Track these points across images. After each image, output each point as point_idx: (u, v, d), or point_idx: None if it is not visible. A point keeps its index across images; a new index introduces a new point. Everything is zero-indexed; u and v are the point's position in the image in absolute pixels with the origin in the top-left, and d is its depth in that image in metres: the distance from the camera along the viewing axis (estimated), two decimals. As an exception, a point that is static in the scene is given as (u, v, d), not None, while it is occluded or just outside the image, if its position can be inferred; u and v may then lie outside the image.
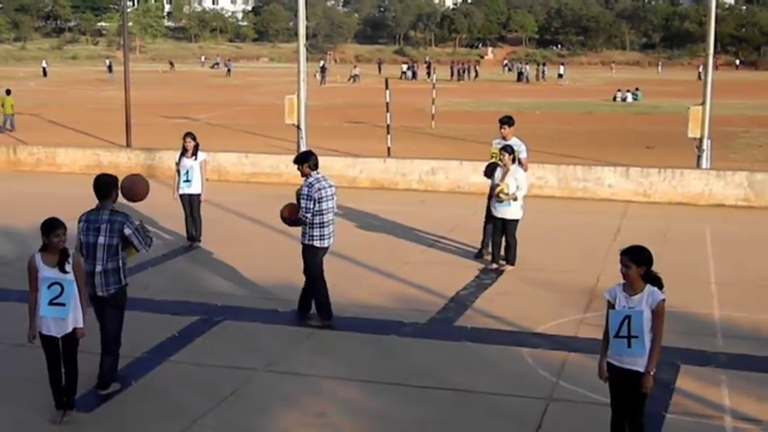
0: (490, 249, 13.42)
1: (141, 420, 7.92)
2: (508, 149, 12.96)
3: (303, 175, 10.43)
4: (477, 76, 78.85)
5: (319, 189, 10.24)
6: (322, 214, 10.27)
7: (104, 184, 8.51)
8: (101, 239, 8.17)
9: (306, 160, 10.51)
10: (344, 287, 12.16)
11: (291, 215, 10.47)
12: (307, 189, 10.26)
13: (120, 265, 8.30)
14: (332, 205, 10.41)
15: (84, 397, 8.06)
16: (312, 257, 10.45)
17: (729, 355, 9.53)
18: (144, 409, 8.13)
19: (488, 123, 34.13)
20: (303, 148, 22.84)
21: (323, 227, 10.32)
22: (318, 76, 68.78)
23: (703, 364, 9.25)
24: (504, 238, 13.17)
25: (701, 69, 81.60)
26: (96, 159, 23.25)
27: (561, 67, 78.29)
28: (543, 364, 9.22)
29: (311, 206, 10.17)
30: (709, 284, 12.44)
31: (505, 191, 12.81)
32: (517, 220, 13.07)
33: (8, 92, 34.68)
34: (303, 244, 10.47)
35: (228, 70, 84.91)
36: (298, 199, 10.39)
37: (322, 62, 79.24)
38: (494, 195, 13.04)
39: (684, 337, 9.85)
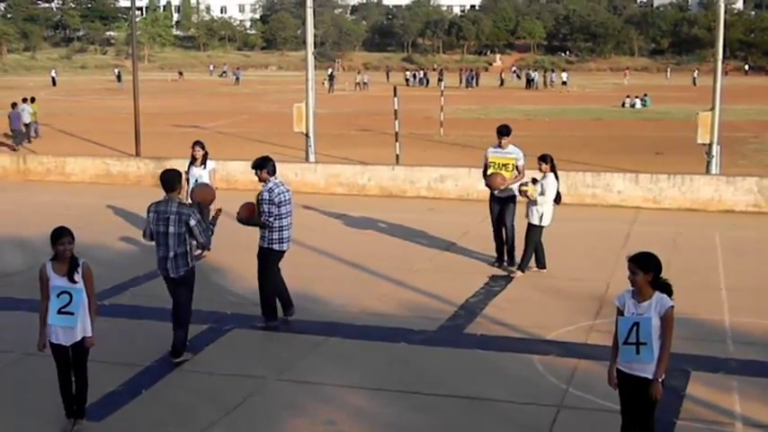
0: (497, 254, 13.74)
1: (151, 429, 7.93)
2: (545, 159, 12.91)
3: (261, 180, 10.78)
4: (477, 84, 77.98)
5: (279, 194, 10.58)
6: (281, 218, 10.59)
7: (171, 179, 9.48)
8: (171, 229, 9.20)
9: (264, 166, 10.77)
10: (354, 295, 12.19)
11: (249, 216, 10.70)
12: (267, 194, 10.57)
13: (188, 249, 9.33)
14: (290, 209, 10.77)
15: (93, 406, 8.08)
16: (271, 261, 10.75)
17: (740, 362, 9.50)
18: (154, 418, 8.15)
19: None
20: (312, 157, 22.93)
21: (282, 230, 10.64)
22: (327, 84, 68.90)
23: (714, 370, 9.22)
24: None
25: (695, 75, 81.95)
26: (106, 168, 23.34)
27: (564, 75, 79.13)
28: (553, 371, 9.20)
29: (273, 210, 10.48)
30: (719, 290, 12.41)
31: (530, 192, 12.82)
32: (537, 226, 13.03)
33: (32, 99, 34.71)
34: (261, 248, 10.72)
35: (237, 78, 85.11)
36: (258, 204, 10.63)
37: (330, 70, 79.34)
38: (521, 192, 13.10)
39: (695, 344, 9.82)
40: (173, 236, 9.19)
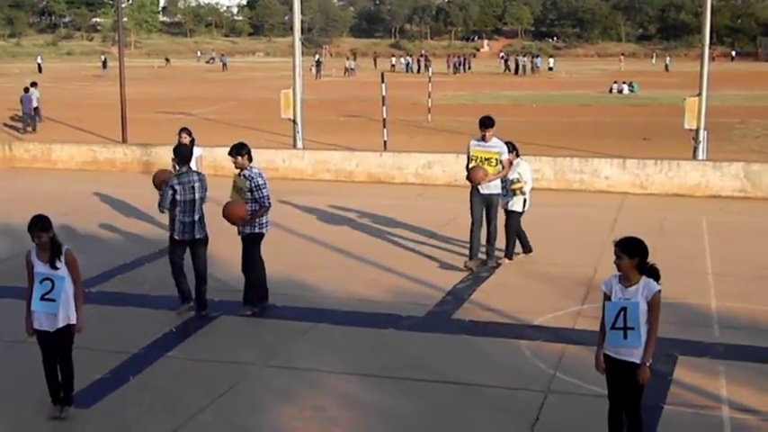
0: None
1: (139, 416, 7.91)
2: (510, 146, 12.92)
3: (239, 166, 10.69)
4: (469, 67, 78.76)
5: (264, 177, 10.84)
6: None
7: (187, 151, 10.93)
8: (197, 195, 10.43)
9: (242, 151, 10.67)
10: (342, 281, 12.18)
11: (245, 214, 10.53)
12: (260, 179, 10.66)
13: (204, 213, 10.56)
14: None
15: (82, 392, 8.05)
16: (257, 245, 10.86)
17: (726, 346, 9.54)
18: (142, 405, 8.13)
19: (485, 116, 34.08)
20: (299, 143, 22.86)
21: (266, 214, 10.85)
22: (314, 71, 68.73)
23: (700, 354, 9.26)
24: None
25: (668, 61, 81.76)
26: (92, 155, 23.23)
27: (551, 60, 79.53)
28: (541, 356, 9.22)
29: (268, 193, 10.73)
30: (706, 275, 12.46)
31: (522, 188, 12.85)
32: (519, 213, 13.08)
33: (34, 84, 34.77)
34: (251, 234, 10.75)
35: (224, 65, 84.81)
36: (248, 191, 10.55)
37: (317, 56, 79.14)
38: (514, 192, 12.99)
39: (681, 328, 9.86)
40: (199, 200, 10.47)
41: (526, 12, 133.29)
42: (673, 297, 10.07)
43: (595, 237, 14.56)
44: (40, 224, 7.57)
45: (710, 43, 21.68)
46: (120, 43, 28.24)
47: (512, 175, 12.91)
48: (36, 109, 33.46)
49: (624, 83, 52.28)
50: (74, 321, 7.66)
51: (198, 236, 10.57)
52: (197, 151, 14.67)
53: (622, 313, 6.46)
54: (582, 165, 19.81)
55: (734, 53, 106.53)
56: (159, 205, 10.59)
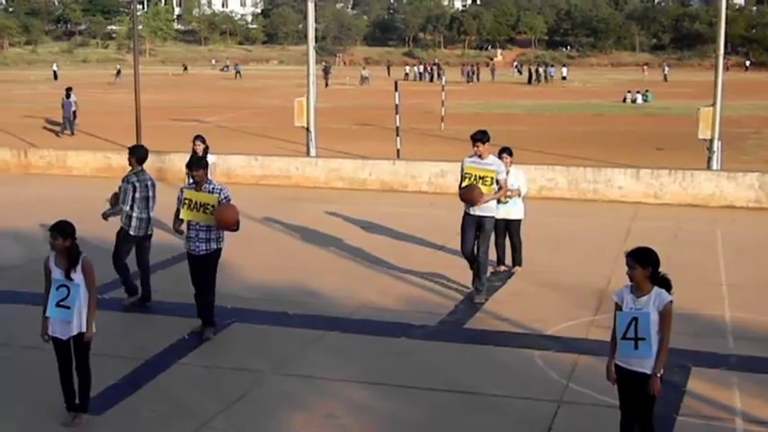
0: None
1: (151, 423, 7.93)
2: (508, 151, 12.87)
3: (198, 180, 10.07)
4: (478, 79, 77.68)
5: None
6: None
7: (144, 152, 11.56)
8: (150, 193, 11.21)
9: (203, 165, 10.19)
10: (354, 289, 12.19)
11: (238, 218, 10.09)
12: (227, 191, 10.15)
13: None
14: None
15: (94, 399, 8.07)
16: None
17: (740, 357, 9.50)
18: (154, 412, 8.15)
19: (498, 125, 34.08)
20: (312, 151, 22.91)
21: None
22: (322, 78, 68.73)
23: (714, 365, 9.22)
24: (508, 239, 13.18)
25: (665, 71, 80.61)
26: (107, 162, 23.32)
27: (564, 70, 79.17)
28: (554, 366, 9.20)
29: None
30: (719, 286, 12.40)
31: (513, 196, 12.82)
32: (521, 220, 13.09)
33: (70, 89, 35.83)
34: (219, 249, 10.21)
35: (238, 73, 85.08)
36: (215, 205, 9.99)
37: (324, 63, 78.88)
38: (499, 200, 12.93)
39: (695, 339, 9.82)
40: (152, 199, 11.22)
41: (540, 21, 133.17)
42: (686, 308, 10.04)
43: (608, 247, 14.52)
44: (61, 228, 7.62)
45: (725, 53, 21.60)
46: (135, 51, 28.36)
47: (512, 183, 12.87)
48: (74, 113, 34.67)
49: (638, 92, 52.18)
50: (84, 330, 7.68)
51: (150, 232, 11.33)
52: (211, 159, 14.72)
53: (633, 323, 6.44)
54: (595, 174, 19.76)
55: (748, 63, 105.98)
56: (122, 202, 11.11)
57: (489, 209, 11.53)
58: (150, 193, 11.18)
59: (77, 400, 7.80)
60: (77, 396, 7.80)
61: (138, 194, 11.09)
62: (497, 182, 11.48)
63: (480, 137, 11.43)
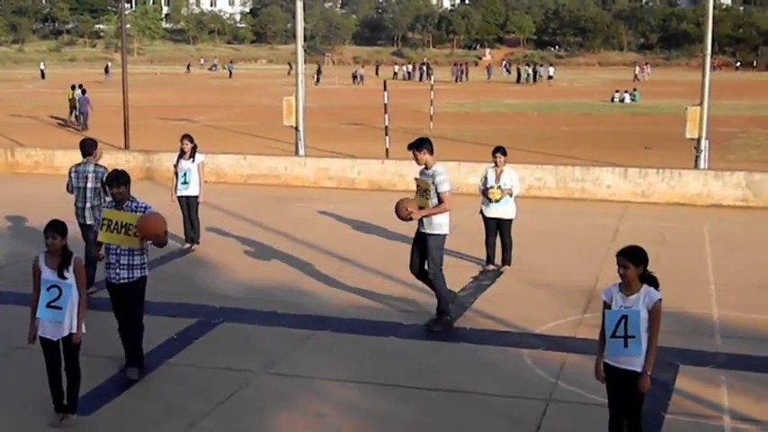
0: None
1: (140, 423, 7.91)
2: (502, 150, 12.95)
3: (119, 198, 8.63)
4: (466, 77, 77.59)
5: None
6: None
7: (90, 146, 12.04)
8: (89, 184, 11.67)
9: (124, 181, 8.66)
10: (343, 288, 12.19)
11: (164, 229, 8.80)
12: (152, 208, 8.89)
13: (101, 202, 11.33)
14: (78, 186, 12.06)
15: (83, 399, 8.03)
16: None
17: (728, 356, 9.53)
18: (143, 412, 8.13)
19: (487, 125, 34.14)
20: (301, 150, 22.90)
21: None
22: (315, 77, 68.70)
23: (702, 364, 9.25)
24: (499, 239, 13.18)
25: (636, 71, 79.51)
26: (94, 161, 23.21)
27: (551, 69, 79.23)
28: (542, 365, 9.21)
29: None
30: (707, 284, 12.45)
31: (496, 196, 12.85)
32: (512, 220, 13.12)
33: (80, 86, 37.33)
34: (144, 278, 8.81)
35: (230, 72, 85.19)
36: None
37: (318, 65, 78.85)
38: (487, 197, 13.01)
39: (683, 338, 9.85)
40: (90, 190, 11.65)
41: (528, 20, 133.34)
42: (674, 306, 10.07)
43: (597, 245, 14.56)
44: (57, 226, 7.59)
45: (712, 53, 21.69)
46: (123, 50, 28.28)
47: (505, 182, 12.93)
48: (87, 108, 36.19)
49: (626, 92, 52.32)
50: (74, 330, 7.65)
51: (88, 221, 11.59)
52: (199, 158, 14.71)
53: (623, 321, 6.46)
54: (583, 173, 19.82)
55: (738, 63, 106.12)
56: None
57: (436, 225, 10.26)
58: (89, 185, 11.72)
59: (66, 401, 7.77)
60: (66, 396, 7.76)
61: (74, 184, 11.85)
62: (439, 197, 10.14)
63: (419, 145, 10.25)
